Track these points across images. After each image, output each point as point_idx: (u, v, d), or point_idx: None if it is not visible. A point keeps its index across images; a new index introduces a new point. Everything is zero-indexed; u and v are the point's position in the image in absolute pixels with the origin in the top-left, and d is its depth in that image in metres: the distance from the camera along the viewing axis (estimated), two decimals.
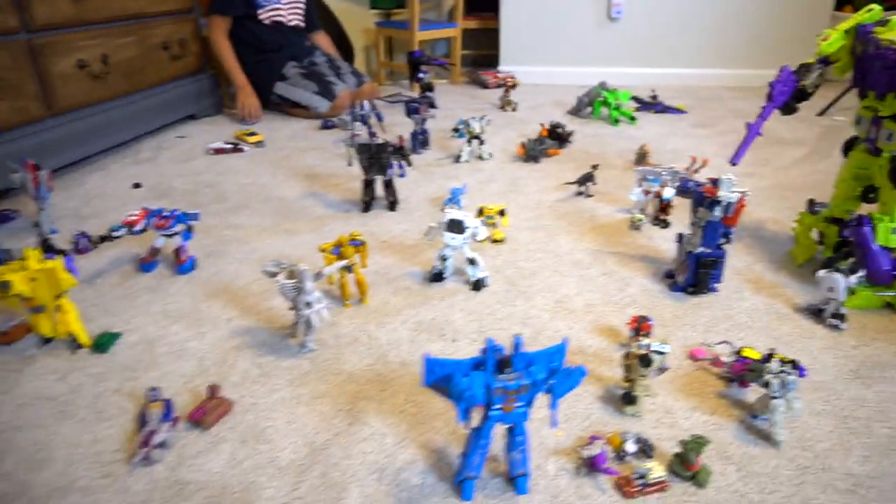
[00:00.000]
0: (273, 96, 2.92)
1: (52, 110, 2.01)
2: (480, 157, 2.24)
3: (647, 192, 1.71)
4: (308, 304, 1.09)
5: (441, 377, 0.79)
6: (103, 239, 1.36)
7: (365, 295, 1.30)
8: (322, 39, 3.18)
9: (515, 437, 0.83)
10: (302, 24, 3.04)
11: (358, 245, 1.28)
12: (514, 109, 2.99)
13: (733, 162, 1.41)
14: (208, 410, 0.97)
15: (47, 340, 1.19)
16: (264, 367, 1.11)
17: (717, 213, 1.25)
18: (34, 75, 1.92)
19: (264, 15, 2.89)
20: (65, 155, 2.07)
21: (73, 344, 1.17)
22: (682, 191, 1.36)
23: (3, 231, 1.68)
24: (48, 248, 1.25)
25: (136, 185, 2.02)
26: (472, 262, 1.35)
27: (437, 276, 1.39)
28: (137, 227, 1.39)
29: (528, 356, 0.80)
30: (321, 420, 0.98)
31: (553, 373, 0.80)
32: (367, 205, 1.79)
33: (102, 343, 1.17)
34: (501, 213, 1.52)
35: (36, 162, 1.58)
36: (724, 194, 1.23)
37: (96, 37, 2.18)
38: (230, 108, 3.01)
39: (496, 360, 0.78)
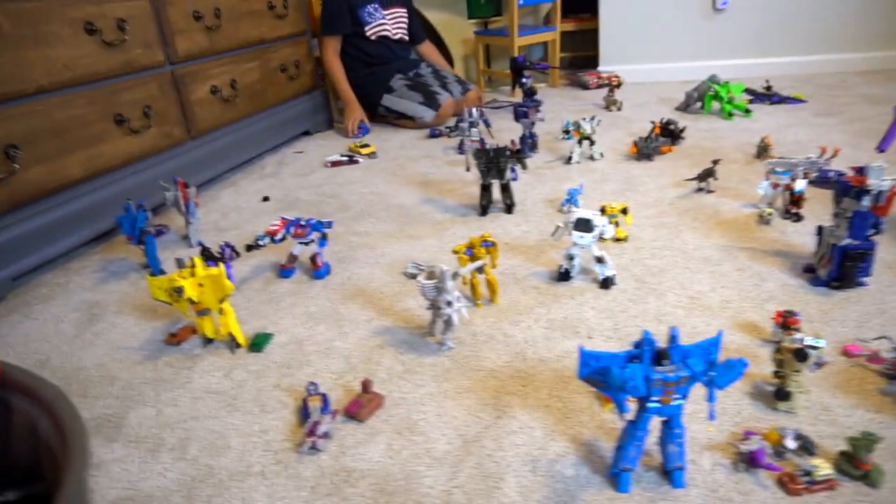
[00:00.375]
0: (380, 108, 3.04)
1: (192, 133, 2.20)
2: (591, 158, 2.23)
3: (775, 185, 1.65)
4: (449, 303, 1.14)
5: (596, 369, 0.80)
6: (249, 248, 1.47)
7: (495, 294, 1.33)
8: (428, 49, 3.28)
9: (673, 429, 0.83)
10: (406, 38, 3.15)
11: (489, 246, 1.32)
12: (619, 109, 2.95)
13: (881, 149, 1.33)
14: (363, 404, 1.04)
15: (209, 341, 1.30)
16: (407, 364, 1.17)
17: (866, 202, 1.18)
18: (177, 102, 2.12)
19: (370, 31, 3.03)
20: (202, 174, 2.26)
21: (233, 344, 1.27)
22: (822, 181, 1.30)
23: (158, 244, 1.86)
24: (208, 257, 1.37)
25: (265, 199, 2.17)
26: (599, 260, 1.36)
27: (564, 275, 1.40)
28: (278, 237, 1.50)
29: (683, 349, 0.80)
30: (469, 413, 1.02)
31: (711, 365, 0.79)
32: (484, 208, 1.82)
33: (258, 343, 1.27)
34: (624, 211, 1.51)
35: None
36: (874, 182, 1.16)
37: (226, 64, 2.36)
38: (339, 122, 3.16)
39: (652, 353, 0.79)
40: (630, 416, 0.83)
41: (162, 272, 1.65)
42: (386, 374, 1.15)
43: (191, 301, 1.22)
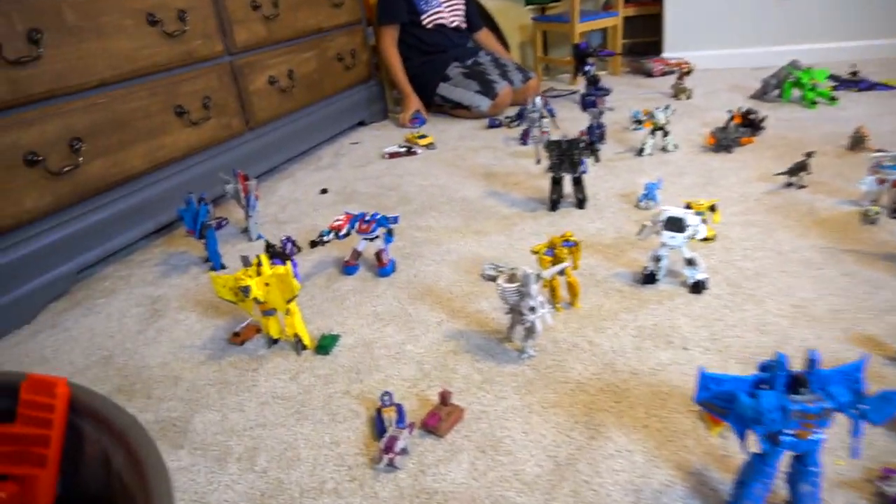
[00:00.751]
0: (436, 97, 2.96)
1: (250, 125, 2.16)
2: (665, 149, 2.10)
3: (881, 181, 1.50)
4: (532, 309, 1.05)
5: (718, 394, 0.71)
6: (314, 244, 1.41)
7: (577, 298, 1.24)
8: (486, 37, 3.18)
9: (808, 467, 0.72)
10: (463, 25, 3.06)
11: (571, 246, 1.22)
12: (688, 97, 2.79)
13: None
14: (442, 417, 0.96)
15: (274, 341, 1.25)
16: (485, 373, 1.09)
17: None
18: (236, 94, 2.08)
19: (427, 19, 2.94)
20: (260, 165, 2.22)
21: (299, 345, 1.21)
22: None
23: (217, 237, 1.82)
24: (273, 254, 1.32)
25: (323, 191, 2.12)
26: (690, 262, 1.24)
27: (649, 278, 1.29)
28: (343, 232, 1.44)
29: (822, 374, 0.69)
30: (558, 432, 0.93)
31: (858, 395, 0.68)
32: (554, 203, 1.72)
33: (325, 345, 1.21)
34: (712, 208, 1.38)
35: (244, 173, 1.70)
36: None
37: (283, 54, 2.31)
38: (394, 112, 3.09)
39: (788, 379, 0.68)
40: (756, 448, 0.72)
41: (223, 267, 1.61)
42: (463, 384, 1.07)
43: (256, 301, 1.17)
